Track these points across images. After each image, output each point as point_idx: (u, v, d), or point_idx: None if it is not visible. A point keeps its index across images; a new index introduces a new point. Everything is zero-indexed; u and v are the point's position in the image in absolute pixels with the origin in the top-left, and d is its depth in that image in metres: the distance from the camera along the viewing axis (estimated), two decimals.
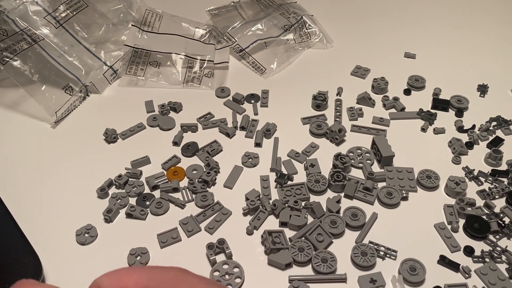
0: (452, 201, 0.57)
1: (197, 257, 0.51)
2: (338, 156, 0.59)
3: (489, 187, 0.58)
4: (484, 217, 0.54)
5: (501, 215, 0.54)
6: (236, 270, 0.50)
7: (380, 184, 0.58)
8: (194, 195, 0.58)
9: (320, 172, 0.59)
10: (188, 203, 0.57)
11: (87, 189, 0.59)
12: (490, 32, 0.85)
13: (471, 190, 0.58)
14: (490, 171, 0.59)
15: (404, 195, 0.56)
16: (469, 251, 0.51)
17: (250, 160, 0.62)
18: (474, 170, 0.60)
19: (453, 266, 0.50)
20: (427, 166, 0.60)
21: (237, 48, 0.79)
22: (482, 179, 0.59)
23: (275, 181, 0.58)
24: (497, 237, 0.52)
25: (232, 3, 0.90)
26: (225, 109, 0.70)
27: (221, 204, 0.57)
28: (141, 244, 0.52)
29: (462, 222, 0.54)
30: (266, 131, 0.65)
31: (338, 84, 0.73)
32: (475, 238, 0.52)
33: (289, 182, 0.58)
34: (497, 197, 0.57)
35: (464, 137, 0.64)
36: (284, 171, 0.60)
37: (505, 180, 0.58)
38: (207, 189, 0.58)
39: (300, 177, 0.60)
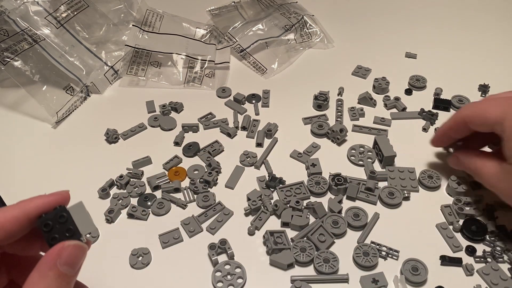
0: (445, 200, 0.56)
1: (199, 258, 0.51)
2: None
3: None
4: (480, 218, 0.54)
5: (495, 213, 0.54)
6: (238, 270, 0.50)
7: (382, 184, 0.58)
8: (195, 196, 0.58)
9: (321, 172, 0.59)
10: (190, 204, 0.57)
11: (88, 189, 0.59)
12: (491, 32, 0.85)
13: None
14: None
15: (406, 195, 0.56)
16: (471, 250, 0.51)
17: (248, 159, 0.62)
18: None
19: (456, 262, 0.50)
20: (428, 166, 0.60)
21: (238, 48, 0.79)
22: None
23: (266, 184, 0.58)
24: (492, 238, 0.52)
25: (233, 3, 0.90)
26: (226, 109, 0.70)
27: (222, 204, 0.56)
28: (142, 245, 0.52)
29: (462, 221, 0.54)
30: (267, 131, 0.65)
31: (339, 84, 0.73)
32: (473, 241, 0.52)
33: (288, 183, 0.58)
34: None
35: None
36: (266, 170, 0.60)
37: None
38: (209, 189, 0.58)
39: (302, 176, 0.60)
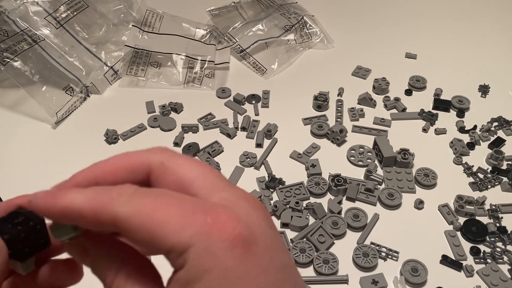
0: (445, 200, 0.56)
1: None
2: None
3: (480, 178, 0.58)
4: (480, 218, 0.54)
5: (499, 213, 0.54)
6: None
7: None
8: None
9: (321, 173, 0.59)
10: None
11: None
12: (491, 33, 0.85)
13: (464, 182, 0.58)
14: (491, 168, 0.60)
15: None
16: (475, 251, 0.51)
17: (248, 159, 0.61)
18: (473, 166, 0.60)
19: (456, 265, 0.50)
20: (428, 167, 0.60)
21: (238, 49, 0.79)
22: (481, 175, 0.59)
23: (265, 185, 0.58)
24: (492, 239, 0.52)
25: (233, 3, 0.90)
26: (226, 110, 0.70)
27: None
28: None
29: (461, 219, 0.54)
30: (267, 132, 0.65)
31: (339, 85, 0.73)
32: (474, 242, 0.52)
33: (288, 183, 0.58)
34: (489, 186, 0.58)
35: (466, 138, 0.64)
36: (266, 171, 0.60)
37: (504, 179, 0.59)
38: None
39: (302, 177, 0.60)
